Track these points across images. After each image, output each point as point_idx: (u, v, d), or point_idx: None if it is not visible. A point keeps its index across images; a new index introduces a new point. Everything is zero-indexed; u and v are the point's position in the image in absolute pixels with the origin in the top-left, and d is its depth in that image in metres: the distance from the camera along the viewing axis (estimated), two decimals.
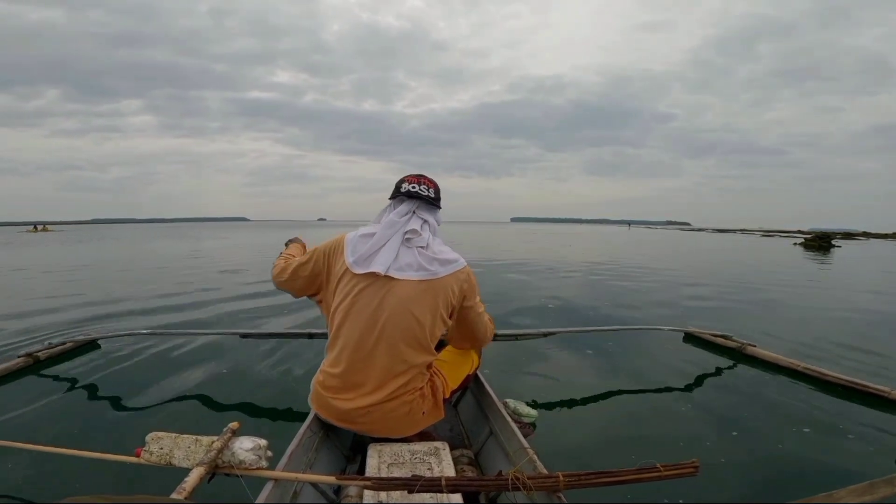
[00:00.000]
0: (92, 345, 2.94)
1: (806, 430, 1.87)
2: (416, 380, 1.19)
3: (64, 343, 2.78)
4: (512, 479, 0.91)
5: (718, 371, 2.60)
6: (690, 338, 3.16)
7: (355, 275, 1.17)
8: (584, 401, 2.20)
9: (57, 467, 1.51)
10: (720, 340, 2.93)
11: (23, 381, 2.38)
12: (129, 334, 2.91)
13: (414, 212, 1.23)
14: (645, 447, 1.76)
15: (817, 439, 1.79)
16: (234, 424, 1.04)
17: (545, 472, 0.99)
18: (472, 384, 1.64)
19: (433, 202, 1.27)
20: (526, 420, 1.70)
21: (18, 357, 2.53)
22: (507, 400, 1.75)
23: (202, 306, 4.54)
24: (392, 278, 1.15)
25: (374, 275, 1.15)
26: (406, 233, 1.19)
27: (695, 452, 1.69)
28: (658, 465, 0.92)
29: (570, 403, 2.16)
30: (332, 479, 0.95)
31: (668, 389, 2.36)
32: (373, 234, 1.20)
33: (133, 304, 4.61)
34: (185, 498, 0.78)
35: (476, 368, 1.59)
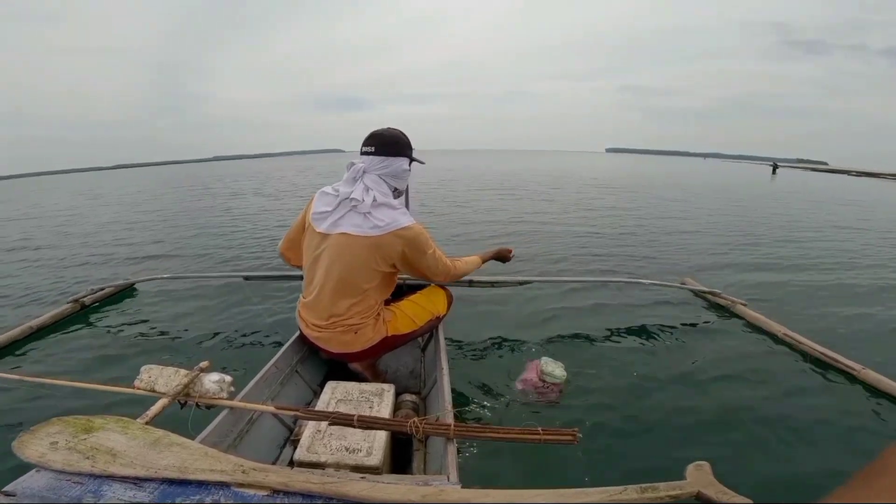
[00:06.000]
0: (130, 289, 3.19)
1: (768, 397, 1.91)
2: (358, 312, 1.48)
3: (104, 288, 3.01)
4: (410, 424, 1.08)
5: (702, 327, 2.63)
6: (687, 293, 3.13)
7: (315, 230, 1.47)
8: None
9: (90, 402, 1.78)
10: (710, 297, 2.92)
11: (73, 327, 2.66)
12: (166, 277, 3.09)
13: (360, 179, 1.45)
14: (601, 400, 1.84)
15: (774, 411, 1.82)
16: (203, 363, 1.19)
17: (449, 421, 1.14)
18: (437, 332, 1.79)
19: (384, 154, 1.46)
20: (549, 381, 1.81)
21: (66, 303, 2.78)
22: (543, 359, 1.90)
23: None
24: (339, 235, 1.43)
25: (326, 232, 1.45)
26: (351, 200, 1.42)
27: (626, 406, 1.83)
28: (539, 429, 1.05)
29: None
30: (268, 407, 1.15)
31: (643, 343, 2.46)
32: (331, 193, 1.48)
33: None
34: (147, 423, 0.99)
35: (439, 317, 1.75)
